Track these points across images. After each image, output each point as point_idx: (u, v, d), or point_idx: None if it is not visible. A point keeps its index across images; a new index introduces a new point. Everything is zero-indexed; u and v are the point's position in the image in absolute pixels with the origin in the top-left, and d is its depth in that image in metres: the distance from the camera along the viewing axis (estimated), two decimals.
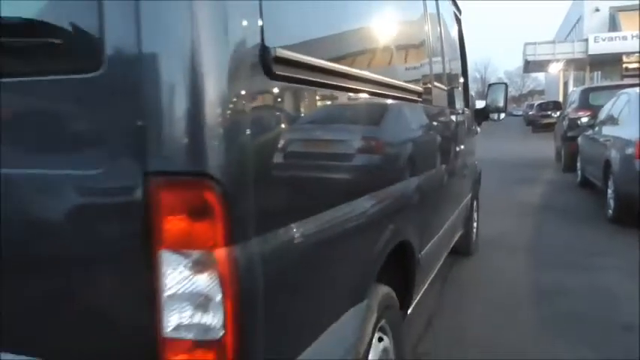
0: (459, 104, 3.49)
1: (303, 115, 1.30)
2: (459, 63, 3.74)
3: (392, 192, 1.84)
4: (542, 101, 29.20)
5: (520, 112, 39.50)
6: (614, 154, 5.61)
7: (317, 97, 1.36)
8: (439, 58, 2.81)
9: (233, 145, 0.97)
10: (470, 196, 4.06)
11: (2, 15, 1.01)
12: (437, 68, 2.71)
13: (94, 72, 0.94)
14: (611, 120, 6.36)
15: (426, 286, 2.60)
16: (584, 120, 8.74)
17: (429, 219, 2.46)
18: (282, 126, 1.17)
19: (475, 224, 4.50)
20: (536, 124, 23.47)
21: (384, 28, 1.91)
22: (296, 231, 1.17)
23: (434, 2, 2.77)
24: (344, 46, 1.55)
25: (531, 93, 63.09)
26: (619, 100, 6.39)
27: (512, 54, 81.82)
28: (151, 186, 0.93)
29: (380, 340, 1.70)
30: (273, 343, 1.08)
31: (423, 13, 2.49)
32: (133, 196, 0.94)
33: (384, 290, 1.72)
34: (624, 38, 23.25)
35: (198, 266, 0.93)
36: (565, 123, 9.96)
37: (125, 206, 0.97)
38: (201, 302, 0.93)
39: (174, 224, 0.92)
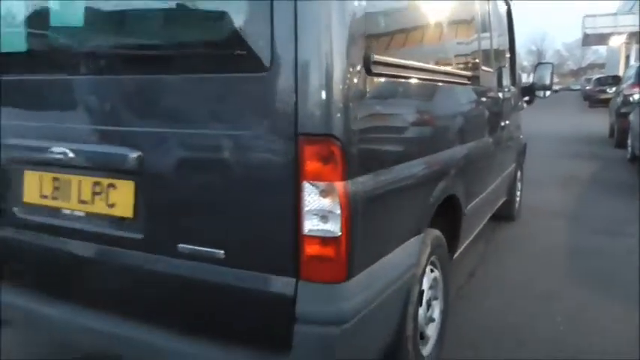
0: (506, 82, 3.87)
1: (389, 98, 1.84)
2: (506, 40, 4.07)
3: (445, 155, 2.35)
4: (600, 75, 28.22)
5: (578, 87, 38.08)
6: None
7: (398, 86, 1.90)
8: (488, 43, 3.23)
9: (348, 116, 1.52)
10: (514, 165, 4.45)
11: (205, 37, 1.63)
12: (485, 53, 3.14)
13: (265, 72, 1.50)
14: None
15: (470, 238, 3.10)
16: (637, 97, 8.79)
17: (475, 181, 2.93)
18: (376, 106, 1.73)
19: (519, 192, 4.85)
20: (593, 99, 22.73)
21: (443, 26, 2.39)
22: (382, 175, 1.72)
23: None
24: (414, 48, 2.11)
25: (591, 66, 60.25)
26: None
27: (571, 26, 78.32)
28: (298, 142, 1.48)
29: (432, 271, 2.24)
30: (366, 246, 1.64)
31: None
32: (288, 148, 1.49)
33: (435, 232, 2.24)
34: None
35: (325, 192, 1.49)
36: (619, 99, 9.99)
37: (283, 153, 1.51)
38: (326, 214, 1.50)
39: (312, 166, 1.48)
